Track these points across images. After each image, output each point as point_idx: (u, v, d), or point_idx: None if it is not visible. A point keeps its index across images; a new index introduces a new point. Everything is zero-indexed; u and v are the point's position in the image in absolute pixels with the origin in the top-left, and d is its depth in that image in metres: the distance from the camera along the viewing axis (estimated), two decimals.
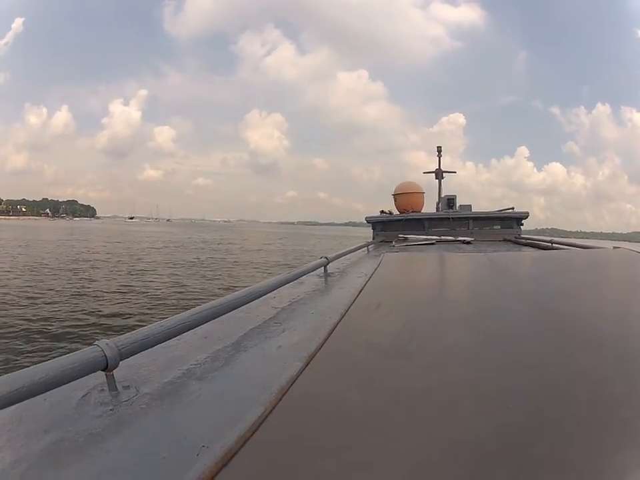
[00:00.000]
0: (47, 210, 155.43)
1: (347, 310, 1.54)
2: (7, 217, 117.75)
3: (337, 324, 1.34)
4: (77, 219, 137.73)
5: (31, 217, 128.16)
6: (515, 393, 0.83)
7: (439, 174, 8.75)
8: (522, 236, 7.09)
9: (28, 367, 0.82)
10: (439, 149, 8.80)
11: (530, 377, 0.91)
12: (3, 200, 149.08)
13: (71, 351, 0.95)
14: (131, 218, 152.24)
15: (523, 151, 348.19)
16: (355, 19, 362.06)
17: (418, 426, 0.73)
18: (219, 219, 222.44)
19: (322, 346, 1.12)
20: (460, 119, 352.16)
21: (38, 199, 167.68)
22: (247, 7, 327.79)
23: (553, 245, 4.96)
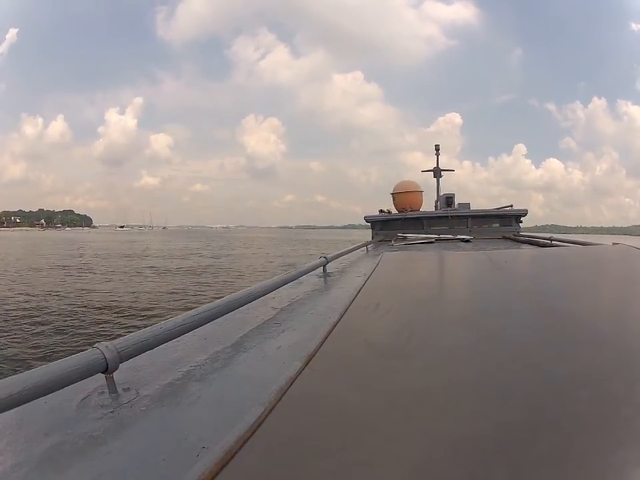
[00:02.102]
0: (42, 220, 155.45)
1: (346, 310, 1.54)
2: None
3: (336, 324, 1.34)
4: (68, 229, 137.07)
5: (22, 228, 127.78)
6: (514, 392, 0.83)
7: (437, 172, 8.76)
8: (521, 233, 7.10)
9: (28, 370, 0.82)
10: (437, 147, 8.81)
11: (530, 375, 0.91)
12: None
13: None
14: (122, 227, 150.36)
15: (520, 148, 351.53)
16: (349, 20, 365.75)
17: (417, 425, 0.73)
18: (217, 225, 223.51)
19: (321, 346, 1.12)
20: (456, 118, 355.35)
21: (34, 209, 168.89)
22: (239, 11, 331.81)
23: (552, 242, 4.96)
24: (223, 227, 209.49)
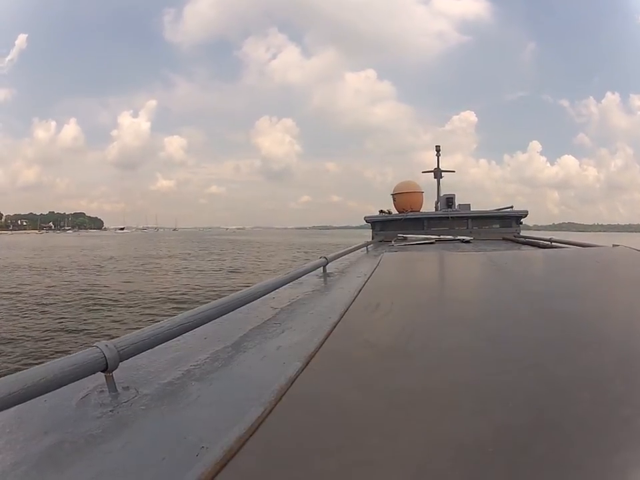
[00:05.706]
0: (50, 223, 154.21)
1: (346, 310, 1.54)
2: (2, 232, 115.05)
3: (336, 324, 1.34)
4: (70, 231, 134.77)
5: (25, 231, 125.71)
6: (515, 393, 0.83)
7: (437, 173, 8.78)
8: (521, 234, 7.13)
9: (27, 368, 0.82)
10: (437, 148, 8.86)
11: (530, 376, 0.90)
12: (2, 214, 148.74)
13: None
14: (121, 229, 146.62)
15: (535, 145, 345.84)
16: (359, 18, 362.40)
17: (418, 426, 0.72)
18: (233, 227, 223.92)
19: (321, 346, 1.12)
20: (471, 116, 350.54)
21: (45, 212, 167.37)
22: (248, 11, 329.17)
23: (552, 243, 4.98)
24: (238, 229, 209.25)
